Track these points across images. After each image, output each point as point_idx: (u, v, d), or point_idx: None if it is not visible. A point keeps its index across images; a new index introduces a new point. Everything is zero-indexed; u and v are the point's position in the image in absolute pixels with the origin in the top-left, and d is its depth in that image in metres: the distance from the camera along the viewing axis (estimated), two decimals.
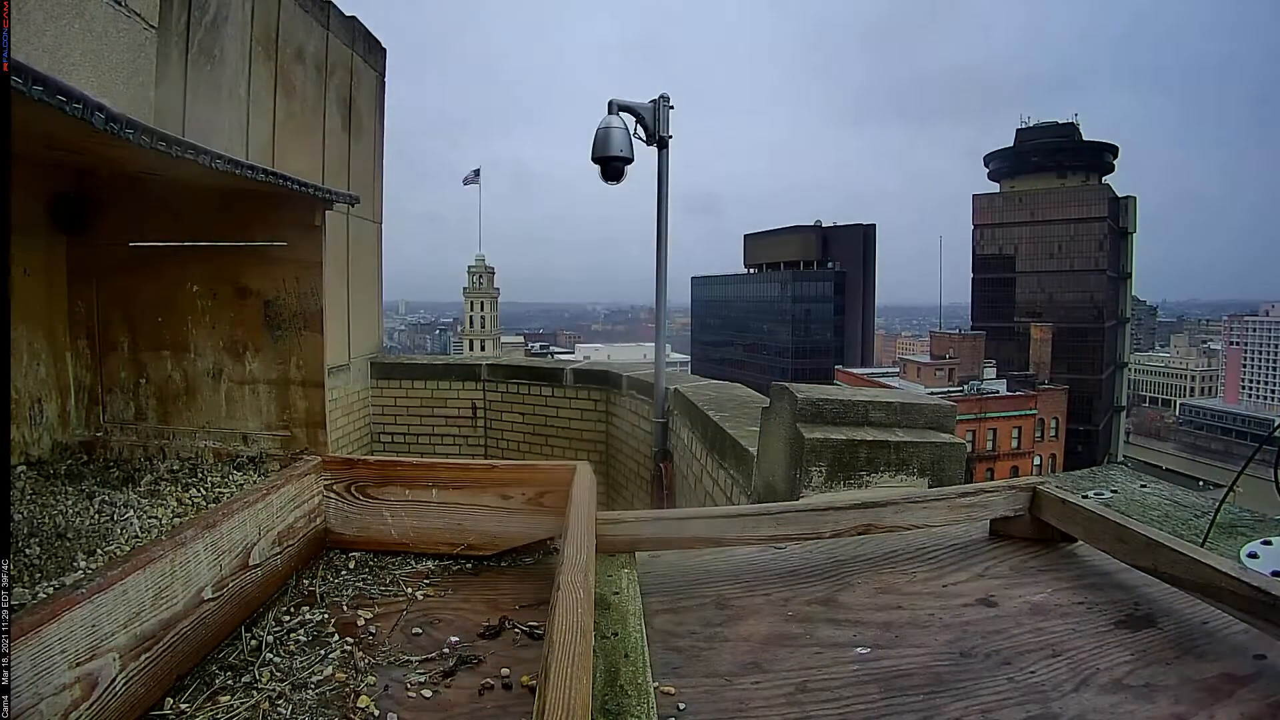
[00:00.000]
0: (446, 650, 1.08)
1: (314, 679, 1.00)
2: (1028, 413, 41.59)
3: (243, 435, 1.78)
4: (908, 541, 1.41)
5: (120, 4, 2.41)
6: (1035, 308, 60.30)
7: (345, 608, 1.21)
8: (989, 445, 40.14)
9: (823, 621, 1.12)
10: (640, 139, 5.00)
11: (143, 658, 0.91)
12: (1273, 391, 79.25)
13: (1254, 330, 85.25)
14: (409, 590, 1.28)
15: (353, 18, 6.29)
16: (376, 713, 0.94)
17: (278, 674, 1.01)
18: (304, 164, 5.36)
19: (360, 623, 1.16)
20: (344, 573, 1.35)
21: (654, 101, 5.04)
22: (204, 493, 1.64)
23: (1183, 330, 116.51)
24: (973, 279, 66.02)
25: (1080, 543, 1.33)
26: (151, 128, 1.04)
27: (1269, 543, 1.50)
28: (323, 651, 1.07)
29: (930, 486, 2.16)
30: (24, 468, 1.67)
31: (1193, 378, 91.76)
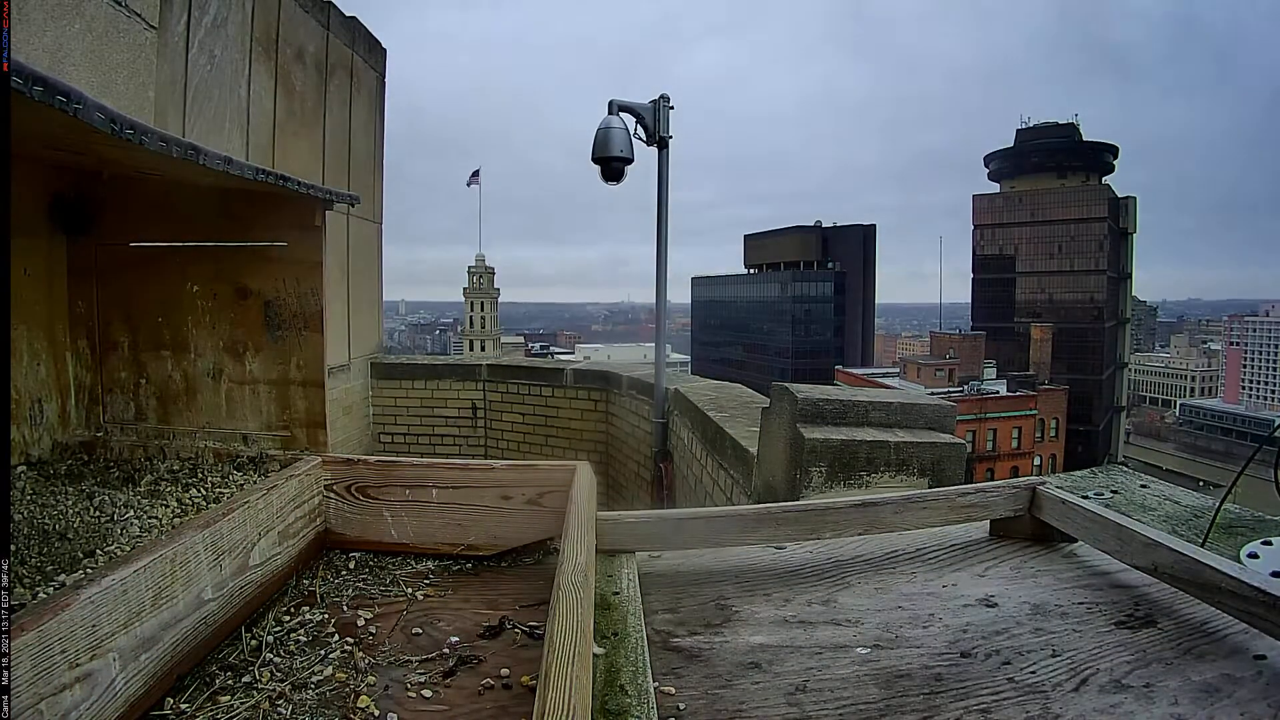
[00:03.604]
0: (446, 650, 1.08)
1: (314, 679, 1.00)
2: (1028, 413, 41.59)
3: (243, 435, 1.79)
4: (908, 541, 1.41)
5: (120, 4, 2.41)
6: (1035, 308, 60.34)
7: (345, 608, 1.21)
8: (989, 445, 40.13)
9: (823, 621, 1.12)
10: (640, 139, 5.00)
11: (142, 658, 0.91)
12: (1273, 391, 79.22)
13: (1254, 330, 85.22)
14: (409, 590, 1.28)
15: (353, 18, 6.29)
16: (376, 713, 0.94)
17: (278, 674, 1.01)
18: (304, 164, 5.36)
19: (360, 623, 1.16)
20: (344, 573, 1.35)
21: (654, 102, 5.04)
22: (204, 493, 1.64)
23: (1183, 330, 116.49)
24: (973, 279, 66.05)
25: (1080, 543, 1.33)
26: (152, 128, 1.04)
27: (1269, 543, 1.50)
28: (323, 651, 1.07)
29: (930, 486, 2.15)
30: (24, 468, 1.67)
31: (1193, 378, 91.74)
